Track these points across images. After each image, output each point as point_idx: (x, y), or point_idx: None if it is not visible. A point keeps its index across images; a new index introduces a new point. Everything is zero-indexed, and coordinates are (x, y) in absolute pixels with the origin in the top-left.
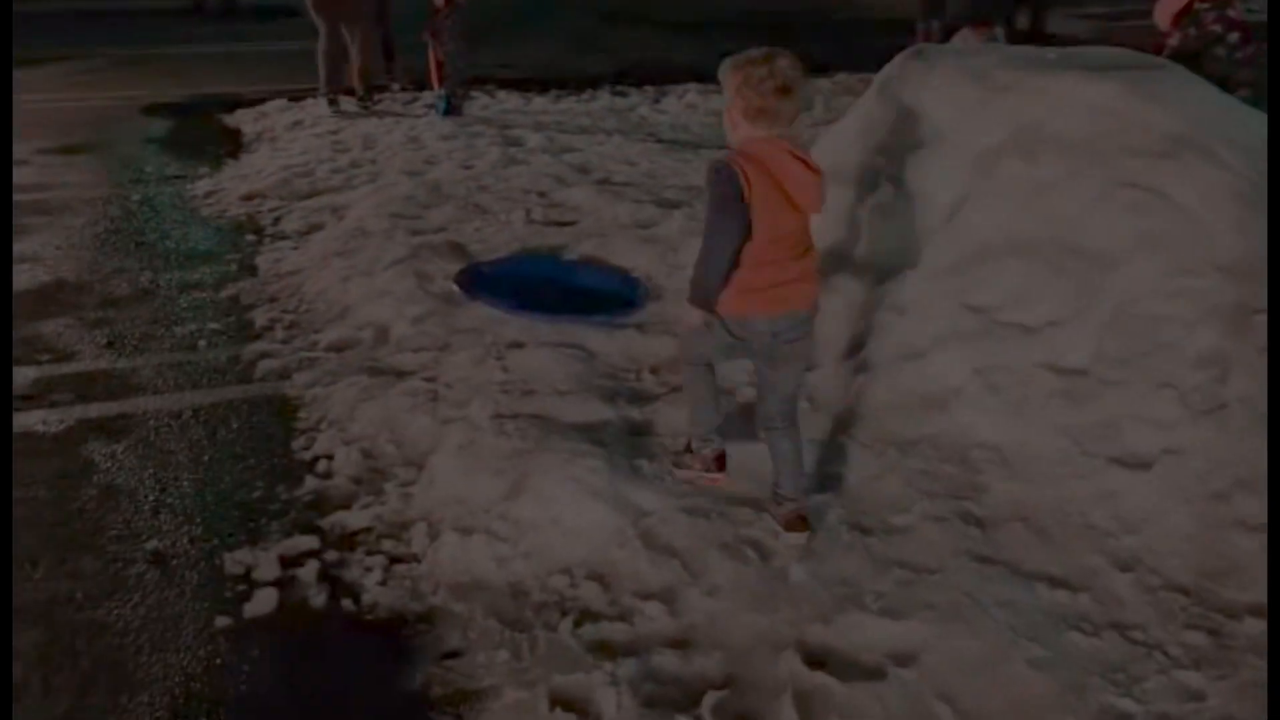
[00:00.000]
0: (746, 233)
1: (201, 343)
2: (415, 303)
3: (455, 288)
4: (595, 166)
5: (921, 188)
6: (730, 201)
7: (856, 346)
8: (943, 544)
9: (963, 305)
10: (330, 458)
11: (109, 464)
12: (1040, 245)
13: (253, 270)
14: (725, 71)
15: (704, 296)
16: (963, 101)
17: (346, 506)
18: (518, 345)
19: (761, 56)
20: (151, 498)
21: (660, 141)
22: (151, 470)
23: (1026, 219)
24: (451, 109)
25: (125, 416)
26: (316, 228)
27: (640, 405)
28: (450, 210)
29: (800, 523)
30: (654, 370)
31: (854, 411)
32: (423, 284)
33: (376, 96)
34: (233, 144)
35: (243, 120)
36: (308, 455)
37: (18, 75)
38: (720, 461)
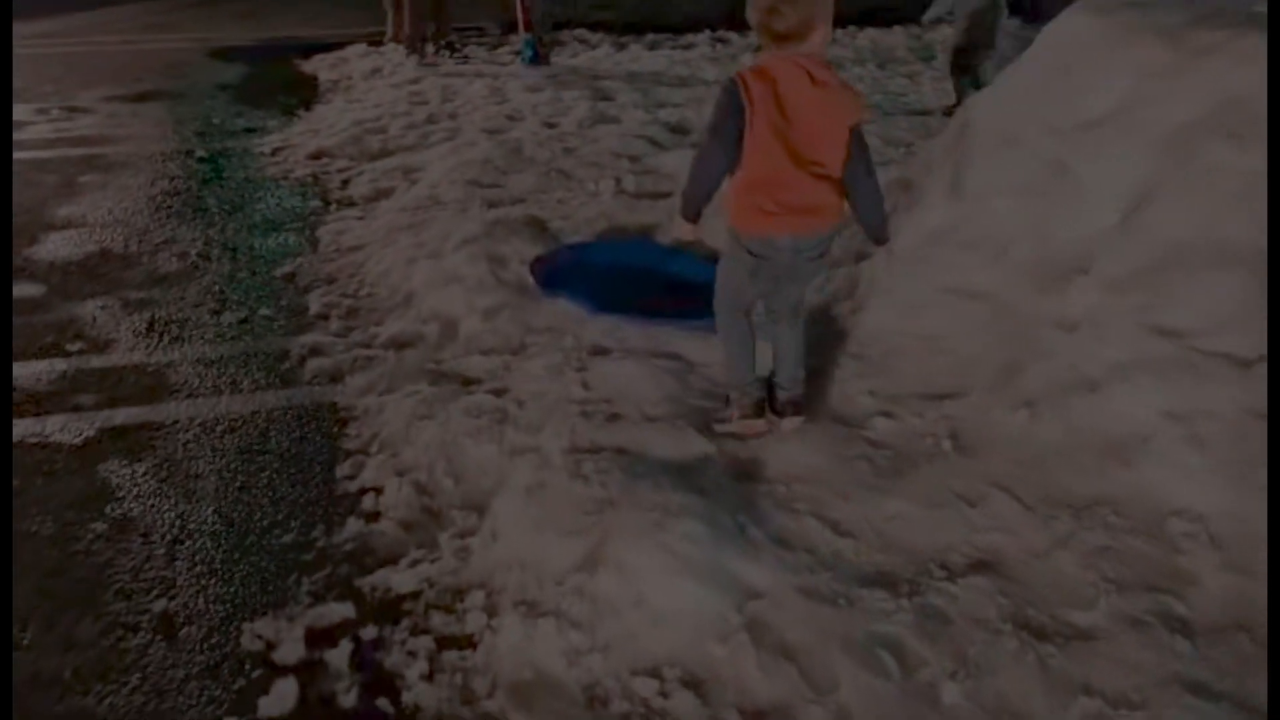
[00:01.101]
0: (752, 152)
1: (248, 333)
2: (487, 292)
3: (530, 278)
4: (694, 126)
5: (1095, 174)
6: (723, 114)
7: (1012, 371)
8: (1142, 662)
9: (1149, 326)
10: (379, 491)
11: (127, 489)
12: (1253, 255)
13: (314, 243)
14: None
15: (688, 209)
16: (1149, 67)
17: (393, 561)
18: (602, 352)
19: None
20: (169, 537)
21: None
22: (173, 500)
23: (1234, 219)
24: (538, 57)
25: (153, 426)
26: (385, 193)
27: (749, 437)
28: (531, 178)
29: (794, 408)
30: None
31: (1011, 459)
32: (496, 269)
33: (446, 45)
34: (307, 92)
35: (319, 66)
36: (353, 486)
37: (93, 17)
38: (760, 407)
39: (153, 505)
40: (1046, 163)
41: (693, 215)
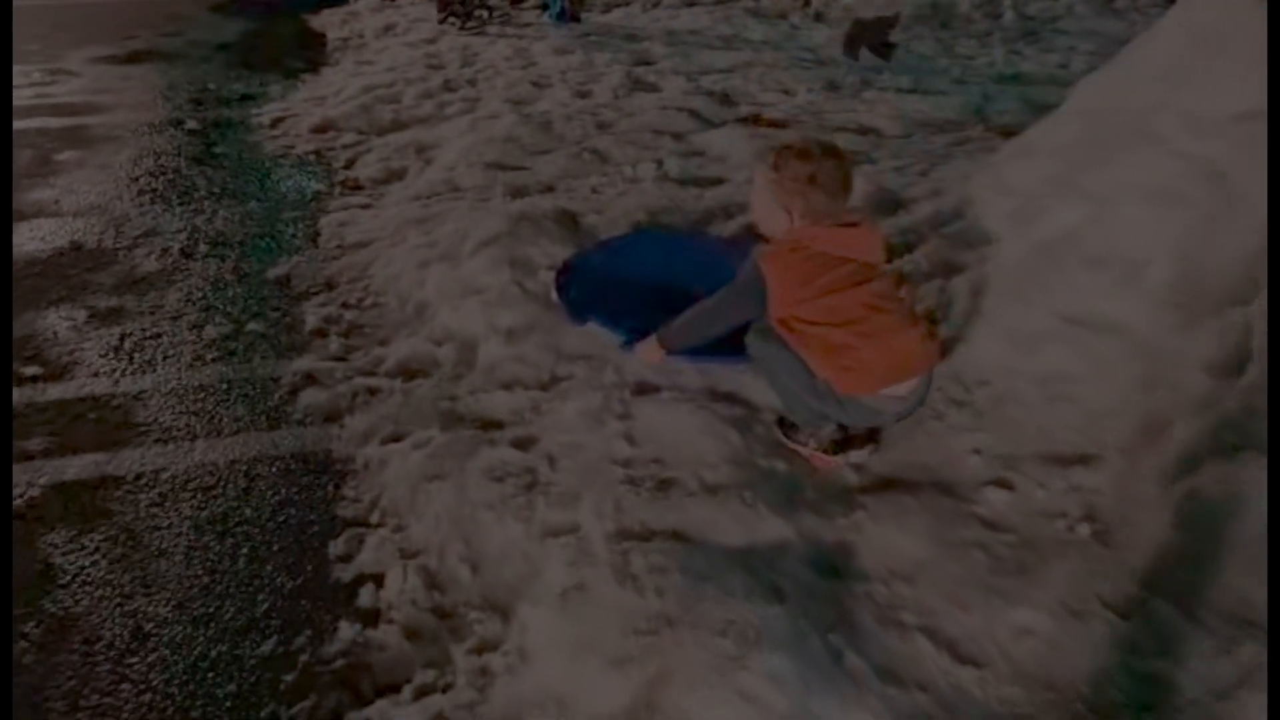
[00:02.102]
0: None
1: (232, 354)
2: (510, 308)
3: (554, 297)
4: (741, 95)
5: (1256, 179)
6: (750, 287)
7: (1156, 428)
8: None
9: None
10: (379, 581)
11: (71, 575)
12: None
13: (313, 237)
14: (781, 166)
15: (674, 343)
16: None
17: (395, 688)
18: (648, 390)
19: (815, 153)
20: (115, 649)
21: (819, 63)
22: (127, 590)
23: None
24: (566, 13)
25: (111, 484)
26: (396, 175)
27: (831, 512)
28: (561, 159)
29: (875, 433)
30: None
31: (1171, 551)
32: (521, 278)
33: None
34: (314, 52)
35: (328, 22)
36: (349, 572)
37: None
38: (840, 444)
39: (101, 598)
40: (1191, 163)
41: (673, 351)
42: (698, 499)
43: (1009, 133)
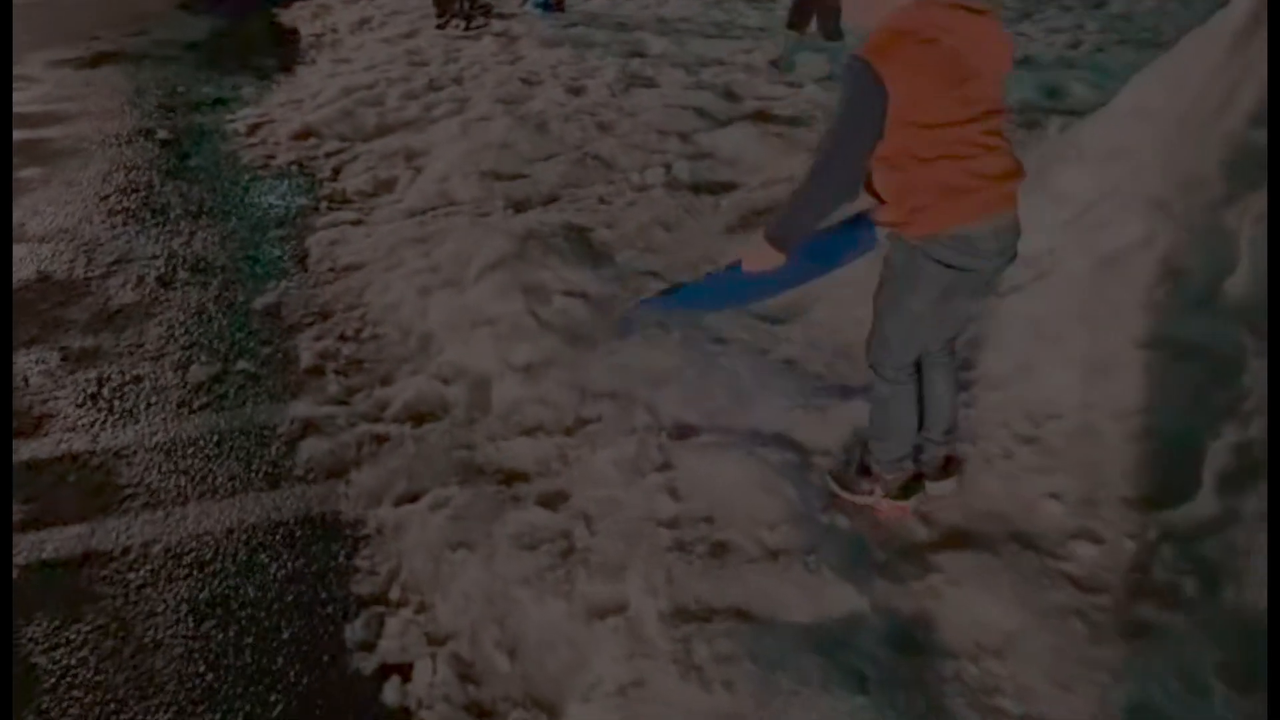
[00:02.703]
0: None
1: (222, 399)
2: (525, 339)
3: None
4: (745, 89)
5: None
6: (864, 101)
7: (1253, 467)
8: None
9: None
10: (406, 674)
11: (56, 678)
12: None
13: (302, 259)
14: None
15: (792, 230)
16: None
17: None
18: (687, 433)
19: None
20: None
21: (819, 50)
22: (119, 696)
23: None
24: (552, 3)
25: (97, 561)
26: (386, 186)
27: (904, 574)
28: (561, 165)
29: (951, 464)
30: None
31: None
32: (535, 305)
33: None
34: (287, 50)
35: (299, 16)
36: (370, 664)
37: None
38: (911, 487)
39: (93, 705)
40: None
41: (793, 242)
42: (758, 566)
43: (1031, 124)
